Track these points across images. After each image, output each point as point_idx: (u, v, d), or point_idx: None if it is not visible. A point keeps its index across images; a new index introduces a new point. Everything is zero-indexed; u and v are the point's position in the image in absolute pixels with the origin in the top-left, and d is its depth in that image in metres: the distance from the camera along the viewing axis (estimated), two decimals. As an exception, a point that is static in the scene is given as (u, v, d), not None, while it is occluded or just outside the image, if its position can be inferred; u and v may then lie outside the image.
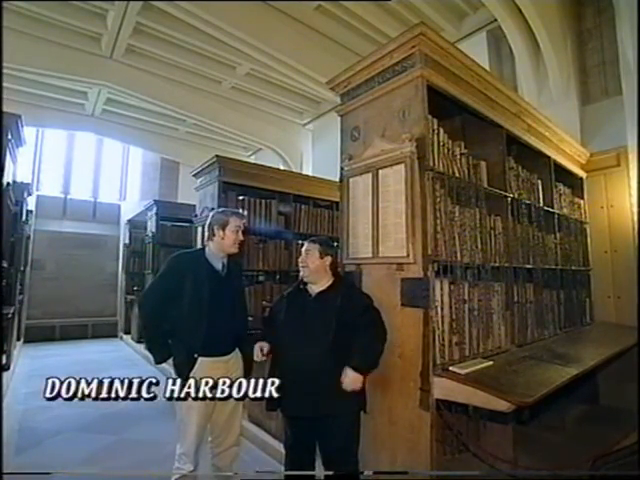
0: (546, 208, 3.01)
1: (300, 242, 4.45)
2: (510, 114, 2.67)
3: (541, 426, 2.70)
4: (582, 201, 3.66)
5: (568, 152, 3.46)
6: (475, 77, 2.33)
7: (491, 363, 2.02)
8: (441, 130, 2.18)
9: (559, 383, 1.83)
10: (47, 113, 7.04)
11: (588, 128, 3.95)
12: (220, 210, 2.21)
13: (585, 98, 4.11)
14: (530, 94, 4.21)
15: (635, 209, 3.36)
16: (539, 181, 3.03)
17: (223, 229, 2.06)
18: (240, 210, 2.10)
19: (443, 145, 2.18)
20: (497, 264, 2.38)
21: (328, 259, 1.98)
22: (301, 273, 1.98)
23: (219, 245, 2.07)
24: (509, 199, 2.55)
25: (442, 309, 1.96)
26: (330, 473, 1.83)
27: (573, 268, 3.27)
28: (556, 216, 3.13)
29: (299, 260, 2.00)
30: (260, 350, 1.95)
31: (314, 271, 1.95)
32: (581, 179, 3.70)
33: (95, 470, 2.67)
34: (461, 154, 2.30)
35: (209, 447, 2.13)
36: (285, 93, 6.76)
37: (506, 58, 4.74)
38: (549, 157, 3.12)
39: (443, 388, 1.81)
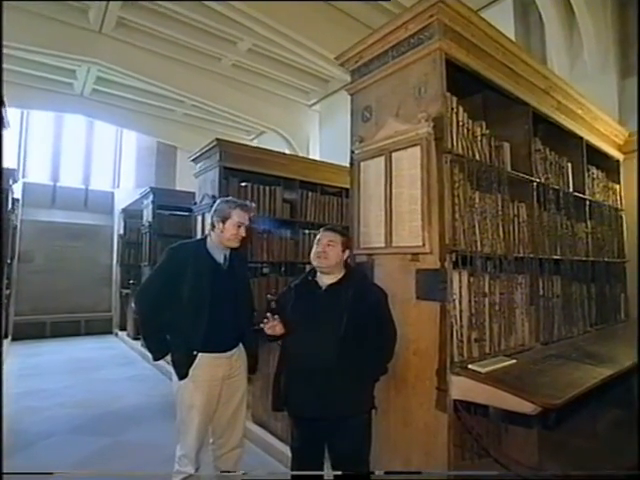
0: (576, 194, 2.98)
1: (307, 232, 4.49)
2: (538, 90, 2.64)
3: (569, 431, 2.70)
4: (618, 186, 3.61)
5: (603, 131, 3.41)
6: (500, 49, 2.31)
7: (514, 361, 2.03)
8: (460, 109, 2.17)
9: (590, 384, 1.83)
10: (32, 93, 7.07)
11: (628, 104, 3.85)
12: (225, 200, 2.21)
13: (625, 70, 4.00)
14: (561, 67, 4.15)
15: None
16: (569, 164, 3.00)
17: (223, 222, 2.08)
18: (248, 202, 2.08)
19: (463, 125, 2.17)
20: (521, 255, 2.38)
21: (347, 253, 2.02)
22: (316, 263, 1.98)
23: (218, 238, 2.11)
24: (535, 184, 2.53)
25: (460, 303, 1.97)
26: (339, 473, 1.88)
27: (606, 259, 3.25)
28: (587, 202, 3.10)
29: (318, 250, 1.98)
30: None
31: (333, 264, 1.97)
32: (617, 161, 3.64)
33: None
34: (482, 135, 2.29)
35: (211, 449, 2.19)
36: (290, 71, 6.74)
37: (535, 27, 4.65)
38: (581, 137, 3.08)
39: (461, 388, 1.83)
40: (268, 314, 1.93)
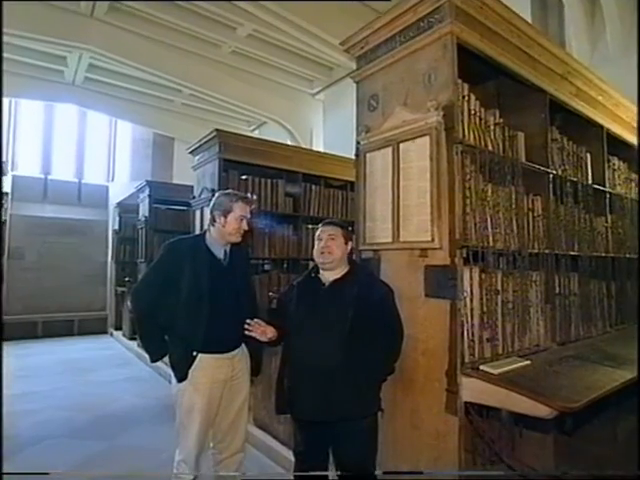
0: (596, 186, 2.98)
1: (310, 227, 4.51)
2: (555, 76, 2.63)
3: (588, 437, 2.70)
4: (641, 177, 3.60)
5: (625, 119, 3.38)
6: (515, 33, 2.30)
7: (528, 362, 2.04)
8: (472, 96, 2.17)
9: (610, 387, 1.83)
10: (20, 81, 7.02)
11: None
12: (225, 192, 2.24)
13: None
14: (581, 51, 4.12)
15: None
16: (588, 154, 2.99)
17: (225, 216, 2.10)
18: (249, 195, 2.08)
19: (475, 114, 2.18)
20: (536, 250, 2.39)
21: (350, 245, 2.05)
22: (320, 260, 2.00)
23: (219, 232, 2.13)
24: (551, 176, 2.53)
25: (472, 301, 1.98)
26: (343, 474, 1.90)
27: (627, 256, 3.23)
28: (608, 195, 3.09)
29: (320, 246, 2.01)
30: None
31: (339, 258, 1.99)
32: (641, 151, 3.63)
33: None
34: (495, 124, 2.29)
35: (211, 454, 2.22)
36: (293, 58, 6.73)
37: (552, 8, 4.61)
38: (601, 126, 3.07)
39: (473, 389, 1.85)
40: (247, 321, 1.98)
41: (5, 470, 2.83)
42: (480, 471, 2.07)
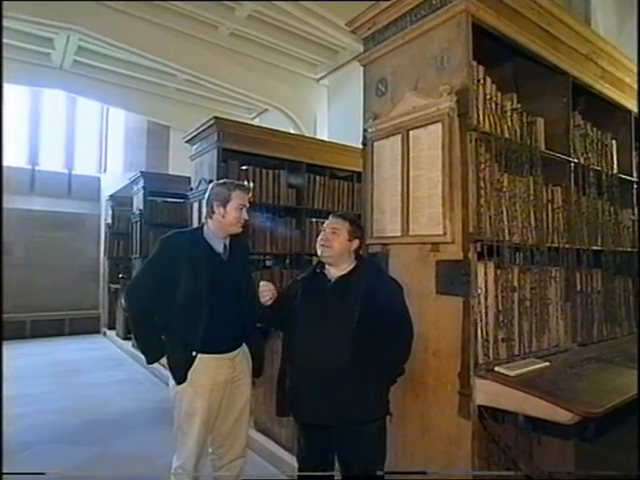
0: (622, 176, 2.97)
1: (314, 220, 4.53)
2: (579, 56, 2.62)
3: (611, 444, 2.70)
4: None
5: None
6: (535, 10, 2.29)
7: (547, 364, 2.05)
8: (488, 80, 2.17)
9: (636, 392, 1.81)
10: (4, 64, 7.06)
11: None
12: (221, 182, 2.26)
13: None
14: (608, 29, 4.07)
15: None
16: (614, 141, 2.98)
17: (224, 206, 2.12)
18: (245, 182, 2.13)
19: (490, 99, 2.17)
20: (555, 245, 2.39)
21: (356, 243, 2.05)
22: (319, 252, 2.03)
23: (219, 224, 2.15)
24: (573, 165, 2.53)
25: (486, 298, 1.99)
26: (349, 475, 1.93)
27: (656, 251, 3.23)
28: (635, 185, 3.08)
29: (320, 238, 2.04)
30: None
31: (337, 254, 2.01)
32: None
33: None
34: (513, 109, 2.29)
35: (210, 459, 2.24)
36: (295, 41, 6.68)
37: (577, -18, 4.58)
38: (629, 110, 3.05)
39: (487, 392, 1.86)
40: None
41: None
42: (482, 472, 2.09)
